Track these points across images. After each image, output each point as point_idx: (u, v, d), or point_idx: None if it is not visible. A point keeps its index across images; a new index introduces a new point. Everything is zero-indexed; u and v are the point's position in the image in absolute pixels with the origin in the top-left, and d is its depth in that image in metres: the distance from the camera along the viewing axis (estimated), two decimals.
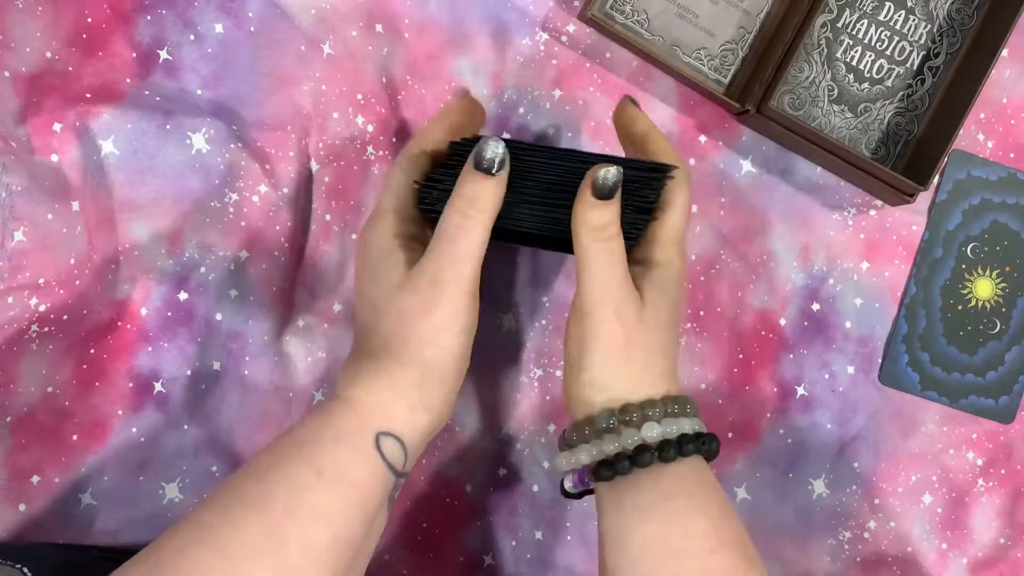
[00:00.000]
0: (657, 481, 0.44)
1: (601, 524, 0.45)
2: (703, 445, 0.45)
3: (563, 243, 0.46)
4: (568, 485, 0.48)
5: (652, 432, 0.44)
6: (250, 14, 0.56)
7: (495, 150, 0.44)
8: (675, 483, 0.44)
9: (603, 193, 0.44)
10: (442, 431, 0.58)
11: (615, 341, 0.45)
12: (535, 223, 0.46)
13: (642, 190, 0.46)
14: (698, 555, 0.43)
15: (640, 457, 0.44)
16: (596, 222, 0.44)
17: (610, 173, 0.44)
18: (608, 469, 0.44)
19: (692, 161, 0.60)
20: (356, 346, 0.47)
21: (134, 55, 0.55)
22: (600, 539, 0.45)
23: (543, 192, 0.46)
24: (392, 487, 0.45)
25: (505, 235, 0.47)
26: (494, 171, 0.44)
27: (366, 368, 0.45)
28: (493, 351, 0.59)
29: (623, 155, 0.53)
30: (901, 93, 0.61)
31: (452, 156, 0.47)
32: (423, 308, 0.44)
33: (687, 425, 0.45)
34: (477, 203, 0.44)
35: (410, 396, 0.45)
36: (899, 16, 0.61)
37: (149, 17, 0.55)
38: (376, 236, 0.47)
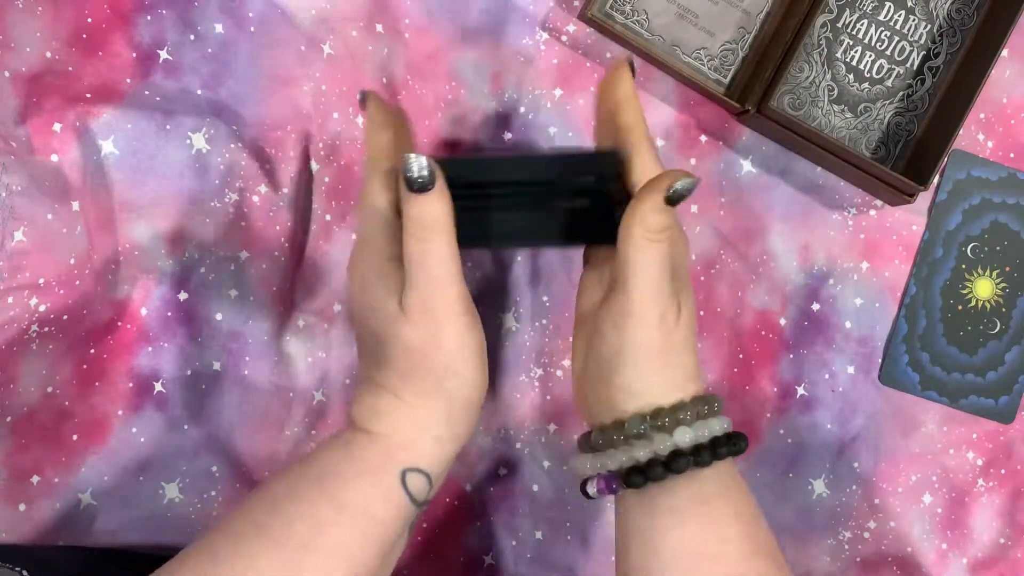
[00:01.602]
0: (691, 483, 0.43)
1: (627, 525, 0.44)
2: (734, 446, 0.44)
3: (538, 239, 0.46)
4: (592, 491, 0.46)
5: (685, 437, 0.43)
6: (250, 14, 0.56)
7: (419, 166, 0.41)
8: (710, 486, 0.43)
9: (674, 200, 0.42)
10: None
11: (654, 347, 0.43)
12: (508, 230, 0.46)
13: (595, 181, 0.45)
14: (734, 560, 0.42)
15: (675, 463, 0.42)
16: (656, 225, 0.42)
17: (687, 183, 0.42)
18: (640, 476, 0.43)
19: (692, 161, 0.60)
20: (368, 374, 0.45)
21: (134, 55, 0.55)
22: (624, 540, 0.44)
23: (507, 199, 0.45)
24: (414, 517, 0.44)
25: (478, 242, 0.46)
26: (428, 187, 0.41)
27: (388, 405, 0.44)
28: (493, 351, 0.59)
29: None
30: (901, 93, 0.61)
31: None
32: (430, 340, 0.43)
33: (717, 426, 0.43)
34: (428, 223, 0.42)
35: (439, 430, 0.44)
36: (899, 16, 0.61)
37: (149, 17, 0.55)
38: (368, 256, 0.45)
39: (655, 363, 0.43)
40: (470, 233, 0.44)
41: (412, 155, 0.41)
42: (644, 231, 0.42)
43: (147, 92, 0.55)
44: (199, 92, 0.56)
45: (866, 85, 0.61)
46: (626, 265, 0.43)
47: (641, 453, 0.43)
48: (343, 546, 0.41)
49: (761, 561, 0.42)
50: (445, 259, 0.42)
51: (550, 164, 0.46)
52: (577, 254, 0.50)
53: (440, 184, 0.42)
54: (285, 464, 0.57)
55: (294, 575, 0.40)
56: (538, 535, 0.60)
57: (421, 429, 0.43)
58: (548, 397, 0.60)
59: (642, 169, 0.45)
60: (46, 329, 0.51)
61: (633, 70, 0.48)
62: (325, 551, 0.41)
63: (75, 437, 0.54)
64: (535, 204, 0.46)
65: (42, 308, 0.50)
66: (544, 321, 0.60)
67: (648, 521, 0.43)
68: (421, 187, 0.41)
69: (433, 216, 0.42)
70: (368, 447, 0.43)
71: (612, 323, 0.43)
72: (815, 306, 0.62)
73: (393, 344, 0.43)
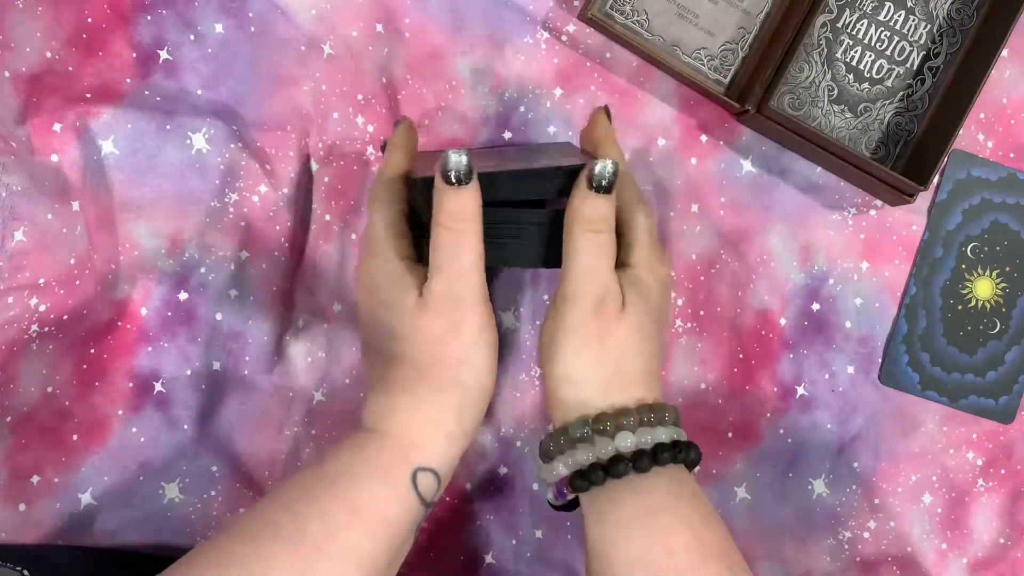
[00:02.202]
0: (638, 494, 0.44)
1: (585, 535, 0.45)
2: (679, 454, 0.44)
3: (525, 263, 0.48)
4: (550, 496, 0.48)
5: (626, 442, 0.44)
6: (250, 14, 0.56)
7: (462, 161, 0.44)
8: (656, 496, 0.44)
9: (598, 185, 0.45)
10: None
11: (590, 332, 0.45)
12: (498, 256, 0.47)
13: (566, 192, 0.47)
14: (683, 570, 0.42)
15: (614, 468, 0.43)
16: (590, 214, 0.45)
17: (608, 166, 0.45)
18: (583, 479, 0.44)
19: (693, 160, 0.60)
20: (379, 377, 0.46)
21: (134, 55, 0.55)
22: (585, 551, 0.45)
23: (498, 225, 0.46)
24: (421, 517, 0.45)
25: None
26: (466, 181, 0.44)
27: (401, 401, 0.44)
28: None
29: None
30: (901, 93, 0.61)
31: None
32: (450, 328, 0.44)
33: (663, 434, 0.44)
34: (460, 214, 0.44)
35: (449, 425, 0.44)
36: (899, 16, 0.61)
37: (149, 17, 0.55)
38: (381, 262, 0.46)
39: (592, 349, 0.45)
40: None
41: (454, 150, 0.44)
42: (581, 221, 0.45)
43: (147, 92, 0.55)
44: (199, 92, 0.56)
45: (866, 85, 0.61)
46: (566, 255, 0.45)
47: (584, 457, 0.44)
48: (356, 548, 0.41)
49: (713, 565, 0.43)
50: (473, 250, 0.44)
51: (542, 181, 0.47)
52: None
53: (475, 180, 0.44)
54: (291, 465, 0.57)
55: None
56: (538, 534, 0.60)
57: (433, 426, 0.44)
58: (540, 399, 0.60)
59: (620, 195, 0.48)
60: (46, 329, 0.51)
61: (609, 116, 0.53)
62: (338, 553, 0.41)
63: (75, 437, 0.54)
64: (524, 229, 0.47)
65: (42, 308, 0.50)
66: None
67: (598, 531, 0.44)
68: (459, 180, 0.44)
69: (467, 208, 0.44)
70: (380, 447, 0.44)
71: (552, 313, 0.46)
72: (815, 306, 0.62)
73: (411, 337, 0.44)
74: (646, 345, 0.46)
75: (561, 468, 0.45)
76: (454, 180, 0.44)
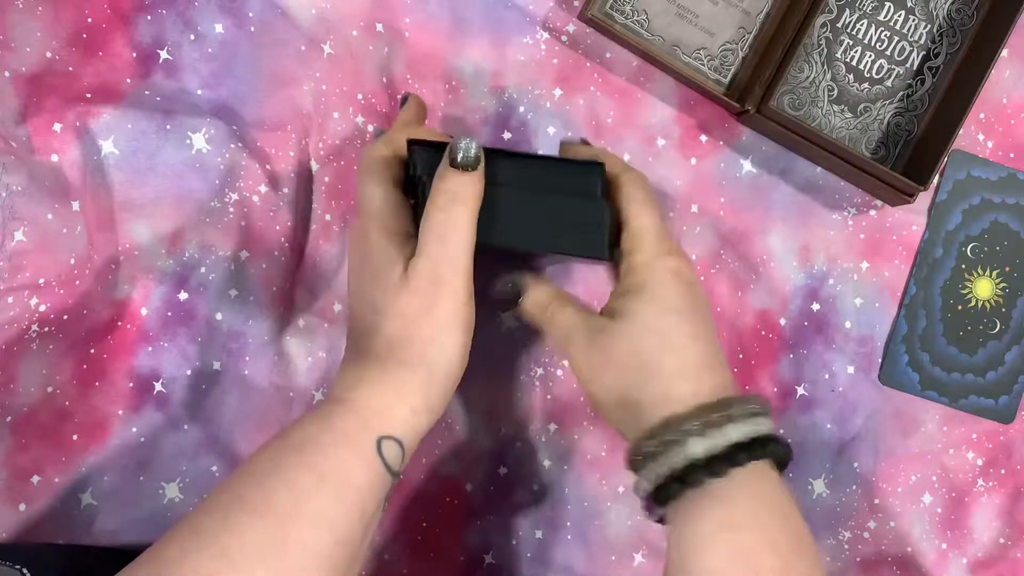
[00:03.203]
0: (717, 505, 0.42)
1: (668, 551, 0.44)
2: (760, 450, 0.42)
3: (529, 242, 0.48)
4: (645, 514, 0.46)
5: (696, 448, 0.42)
6: (250, 14, 0.56)
7: (473, 148, 0.45)
8: (738, 508, 0.42)
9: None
10: (442, 430, 0.58)
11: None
12: (502, 227, 0.47)
13: (579, 187, 0.48)
14: None
15: (689, 476, 0.42)
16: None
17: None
18: (663, 492, 0.43)
19: (693, 161, 0.60)
20: (354, 347, 0.47)
21: (134, 55, 0.55)
22: (665, 570, 0.44)
23: (505, 198, 0.47)
24: (389, 488, 0.45)
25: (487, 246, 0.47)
26: (472, 168, 0.45)
27: (369, 372, 0.45)
28: (493, 350, 0.59)
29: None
30: (901, 93, 0.61)
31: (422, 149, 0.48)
32: (425, 308, 0.44)
33: (735, 432, 0.42)
34: (459, 197, 0.44)
35: (414, 399, 0.45)
36: (899, 16, 0.61)
37: (149, 17, 0.55)
38: (373, 235, 0.46)
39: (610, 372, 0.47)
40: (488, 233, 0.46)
41: (468, 137, 0.45)
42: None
43: (147, 92, 0.55)
44: (199, 92, 0.56)
45: (866, 85, 0.61)
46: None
47: (661, 471, 0.43)
48: (325, 514, 0.41)
49: None
50: (464, 234, 0.45)
51: (549, 169, 0.48)
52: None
53: (482, 168, 0.45)
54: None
55: (279, 546, 0.40)
56: (538, 534, 0.60)
57: (398, 397, 0.45)
58: (548, 397, 0.60)
59: (630, 191, 0.48)
60: (46, 329, 0.51)
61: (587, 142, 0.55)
62: (308, 520, 0.41)
63: (75, 437, 0.54)
64: (531, 205, 0.47)
65: (42, 308, 0.50)
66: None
67: (678, 549, 0.43)
68: (465, 167, 0.44)
69: (466, 192, 0.45)
70: (345, 415, 0.44)
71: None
72: (815, 306, 0.62)
73: (388, 313, 0.45)
74: (657, 345, 0.45)
75: (645, 484, 0.44)
76: (462, 166, 0.45)
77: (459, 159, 0.44)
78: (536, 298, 0.50)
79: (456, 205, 0.44)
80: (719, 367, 0.46)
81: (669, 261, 0.47)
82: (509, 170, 0.47)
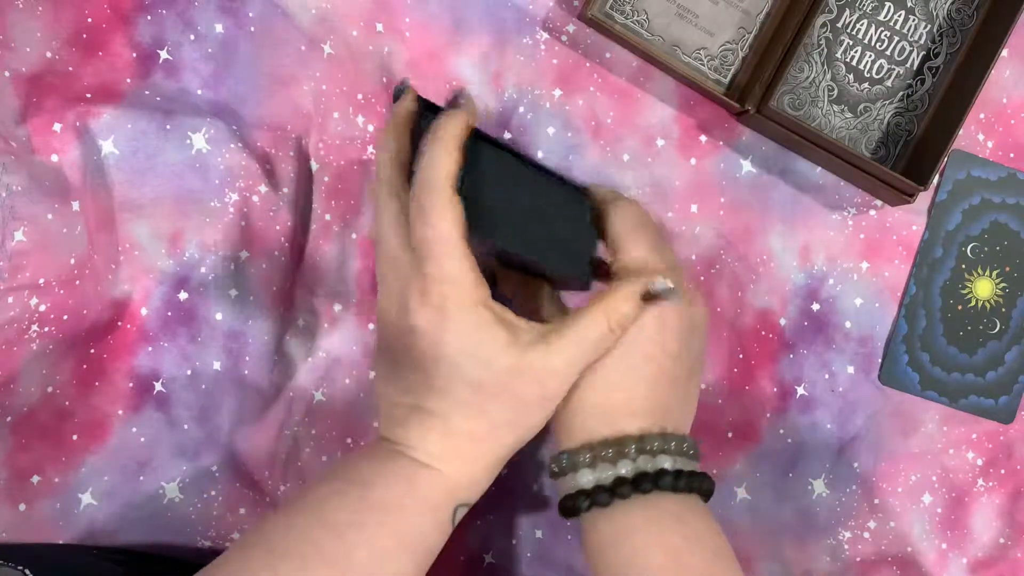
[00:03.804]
0: (613, 519, 0.44)
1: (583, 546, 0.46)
2: (651, 483, 0.44)
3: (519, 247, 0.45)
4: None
5: (586, 479, 0.44)
6: (250, 14, 0.56)
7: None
8: (631, 520, 0.44)
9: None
10: None
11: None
12: (497, 225, 0.44)
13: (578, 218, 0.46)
14: None
15: (597, 496, 0.44)
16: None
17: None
18: (572, 502, 0.45)
19: (692, 161, 0.60)
20: (444, 411, 0.43)
21: (134, 55, 0.55)
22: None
23: (511, 201, 0.45)
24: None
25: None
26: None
27: (465, 447, 0.44)
28: None
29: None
30: (901, 93, 0.61)
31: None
32: (546, 400, 0.44)
33: (623, 468, 0.44)
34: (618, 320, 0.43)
35: (499, 469, 0.45)
36: (899, 16, 0.61)
37: (149, 17, 0.55)
38: (469, 312, 0.42)
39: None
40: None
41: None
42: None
43: (147, 92, 0.55)
44: (199, 92, 0.56)
45: (866, 85, 0.61)
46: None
47: (582, 480, 0.45)
48: (402, 574, 0.42)
49: None
50: (609, 342, 0.44)
51: (547, 180, 0.46)
52: None
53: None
54: (291, 465, 0.57)
55: None
56: (538, 535, 0.60)
57: (489, 474, 0.45)
58: None
59: (620, 221, 0.46)
60: (46, 329, 0.51)
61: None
62: None
63: (75, 437, 0.54)
64: (523, 210, 0.45)
65: (42, 308, 0.50)
66: None
67: (589, 543, 0.45)
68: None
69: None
70: (434, 486, 0.43)
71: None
72: (815, 306, 0.62)
73: (500, 396, 0.43)
74: (628, 384, 0.45)
75: (570, 484, 0.46)
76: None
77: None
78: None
79: (619, 327, 0.44)
80: (661, 412, 0.45)
81: (652, 308, 0.45)
82: (507, 169, 0.45)
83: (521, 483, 0.60)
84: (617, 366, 0.44)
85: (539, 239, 0.45)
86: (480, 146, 0.44)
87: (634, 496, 0.44)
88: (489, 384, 0.42)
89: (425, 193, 0.41)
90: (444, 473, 0.43)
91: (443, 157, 0.41)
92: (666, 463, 0.44)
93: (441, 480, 0.43)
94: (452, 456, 0.44)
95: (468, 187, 0.42)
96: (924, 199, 0.62)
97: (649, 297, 0.44)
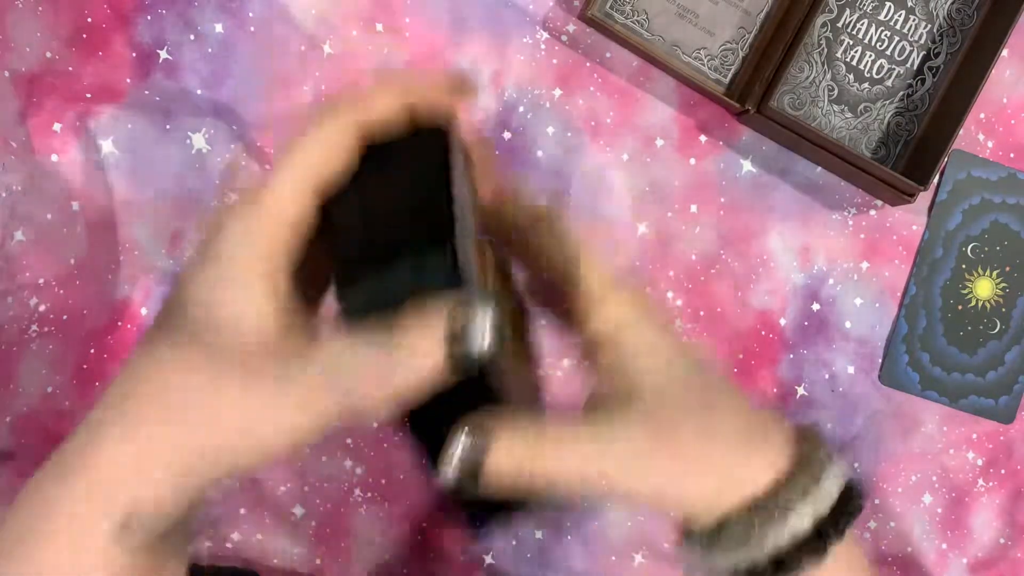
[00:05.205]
0: None
1: None
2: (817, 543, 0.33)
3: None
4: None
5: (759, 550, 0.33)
6: (250, 14, 0.56)
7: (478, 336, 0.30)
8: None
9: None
10: None
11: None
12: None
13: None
14: None
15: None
16: None
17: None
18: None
19: (692, 161, 0.60)
20: None
21: (134, 55, 0.55)
22: None
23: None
24: None
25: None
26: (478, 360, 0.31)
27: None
28: None
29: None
30: (901, 93, 0.61)
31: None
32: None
33: (796, 521, 0.33)
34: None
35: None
36: (899, 16, 0.61)
37: (149, 17, 0.55)
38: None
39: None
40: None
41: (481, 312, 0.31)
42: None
43: (147, 92, 0.55)
44: (199, 92, 0.56)
45: (866, 85, 0.61)
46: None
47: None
48: None
49: None
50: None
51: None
52: None
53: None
54: (290, 465, 0.57)
55: None
56: (538, 535, 0.60)
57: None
58: (548, 397, 0.60)
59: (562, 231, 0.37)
60: (46, 329, 0.51)
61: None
62: None
63: None
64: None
65: (42, 308, 0.50)
66: (544, 321, 0.60)
67: None
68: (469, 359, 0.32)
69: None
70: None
71: None
72: (815, 306, 0.62)
73: None
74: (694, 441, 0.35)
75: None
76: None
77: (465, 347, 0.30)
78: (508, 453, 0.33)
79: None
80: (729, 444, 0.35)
81: (658, 353, 0.35)
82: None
83: None
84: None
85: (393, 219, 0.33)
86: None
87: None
88: None
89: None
90: None
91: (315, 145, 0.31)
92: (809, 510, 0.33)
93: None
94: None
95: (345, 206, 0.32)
96: (924, 199, 0.62)
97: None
